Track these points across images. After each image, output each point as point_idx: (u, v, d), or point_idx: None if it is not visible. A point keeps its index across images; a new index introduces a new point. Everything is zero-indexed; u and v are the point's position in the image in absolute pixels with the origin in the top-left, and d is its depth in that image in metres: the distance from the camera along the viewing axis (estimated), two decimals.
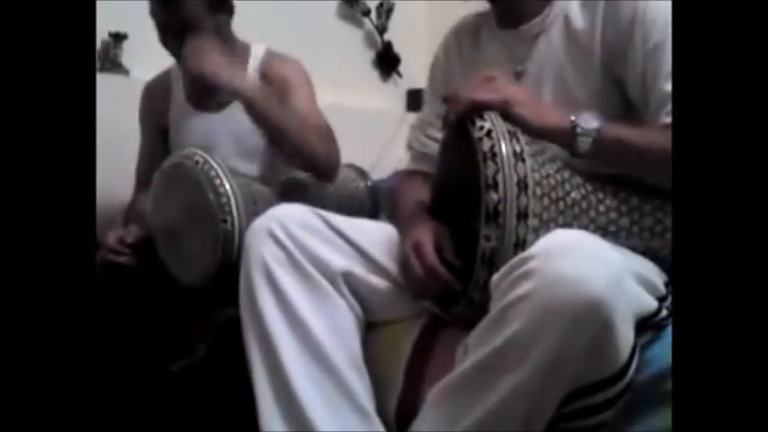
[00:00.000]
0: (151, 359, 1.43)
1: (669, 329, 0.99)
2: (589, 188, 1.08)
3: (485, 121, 1.03)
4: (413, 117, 2.87)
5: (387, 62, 2.97)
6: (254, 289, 1.12)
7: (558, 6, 1.21)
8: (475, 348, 0.94)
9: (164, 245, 1.45)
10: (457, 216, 1.13)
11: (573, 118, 1.06)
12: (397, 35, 2.95)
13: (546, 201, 1.01)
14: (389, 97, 3.00)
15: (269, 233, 1.14)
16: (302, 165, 1.36)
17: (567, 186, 1.05)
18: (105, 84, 1.64)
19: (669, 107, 1.07)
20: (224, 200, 1.35)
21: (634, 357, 0.91)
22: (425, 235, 1.13)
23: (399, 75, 3.00)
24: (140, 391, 1.40)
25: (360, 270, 1.18)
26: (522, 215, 0.98)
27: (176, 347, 1.46)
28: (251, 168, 1.60)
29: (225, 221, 1.34)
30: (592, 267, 0.86)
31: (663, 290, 1.02)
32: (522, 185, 0.98)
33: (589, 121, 1.05)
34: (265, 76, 1.63)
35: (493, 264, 0.98)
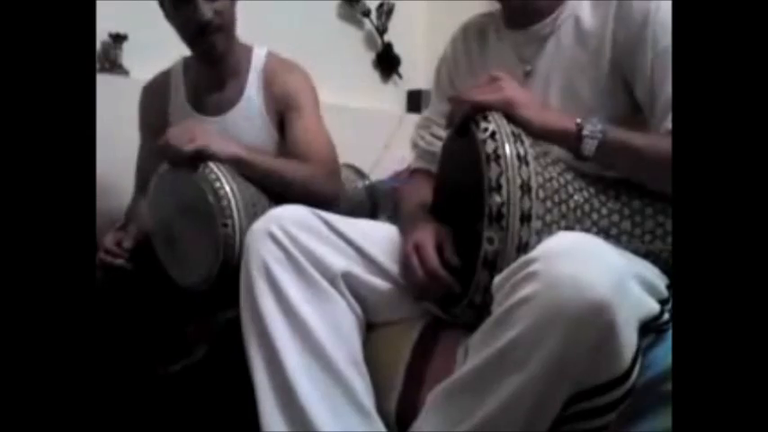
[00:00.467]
0: (150, 360, 1.43)
1: (670, 332, 0.99)
2: (592, 191, 1.08)
3: (489, 122, 1.03)
4: (413, 118, 2.88)
5: (387, 63, 2.98)
6: (255, 290, 1.12)
7: (569, 7, 1.21)
8: (477, 350, 0.94)
9: (163, 247, 1.45)
10: (459, 217, 1.13)
11: (578, 120, 1.06)
12: (397, 36, 2.95)
13: (549, 203, 1.01)
14: (389, 98, 3.00)
15: (269, 234, 1.14)
16: (303, 201, 1.36)
17: (570, 189, 1.05)
18: (105, 84, 1.64)
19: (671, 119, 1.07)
20: (224, 203, 1.35)
21: (637, 360, 0.91)
22: (427, 236, 1.13)
23: (399, 75, 3.01)
24: (140, 393, 1.40)
25: (359, 270, 1.18)
26: (525, 218, 0.98)
27: (176, 349, 1.46)
28: None
29: (225, 224, 1.34)
30: (595, 270, 0.85)
31: (665, 293, 1.02)
32: (526, 188, 0.98)
33: (594, 124, 1.05)
34: (268, 83, 1.62)
35: (495, 266, 0.98)
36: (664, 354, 0.96)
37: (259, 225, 1.16)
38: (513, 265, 0.92)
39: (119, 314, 1.39)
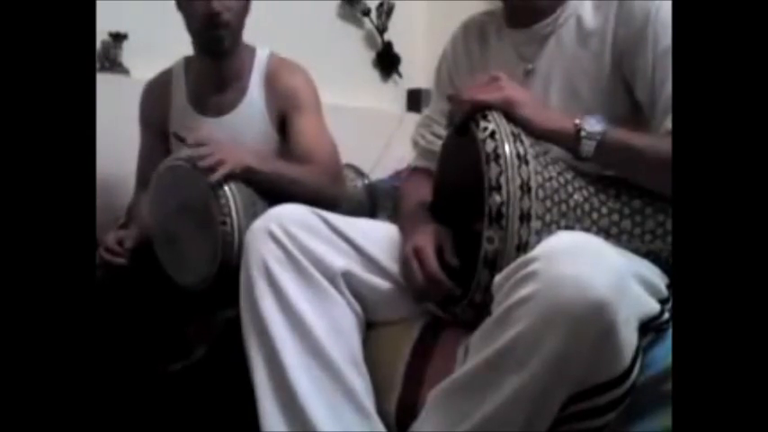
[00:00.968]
0: (150, 360, 1.43)
1: (670, 331, 0.99)
2: (591, 190, 1.08)
3: (489, 122, 1.03)
4: (413, 117, 2.88)
5: (387, 62, 2.97)
6: (255, 289, 1.12)
7: (571, 6, 1.21)
8: (477, 350, 0.94)
9: (162, 247, 1.45)
10: (458, 216, 1.13)
11: (577, 121, 1.06)
12: (397, 35, 2.95)
13: (549, 203, 1.01)
14: (389, 97, 3.00)
15: (268, 233, 1.14)
16: (309, 203, 1.36)
17: (570, 189, 1.05)
18: (105, 84, 1.64)
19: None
20: (223, 201, 1.35)
21: (637, 360, 0.91)
22: (427, 239, 1.13)
23: (399, 75, 3.01)
24: (139, 392, 1.40)
25: (359, 270, 1.18)
26: (525, 217, 0.98)
27: (175, 348, 1.46)
28: None
29: (224, 223, 1.34)
30: (595, 269, 0.85)
31: (665, 292, 1.02)
32: (526, 188, 0.98)
33: (594, 125, 1.05)
34: (271, 84, 1.62)
35: (495, 266, 0.97)
36: (663, 353, 0.96)
37: (259, 224, 1.16)
38: (513, 265, 0.92)
39: (119, 313, 1.39)
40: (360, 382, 1.12)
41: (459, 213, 1.11)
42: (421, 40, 3.07)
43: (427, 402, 1.00)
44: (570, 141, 1.06)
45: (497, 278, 0.95)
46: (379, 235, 1.23)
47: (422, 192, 1.29)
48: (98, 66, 2.11)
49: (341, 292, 1.16)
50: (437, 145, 1.30)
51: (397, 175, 2.35)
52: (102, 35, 2.12)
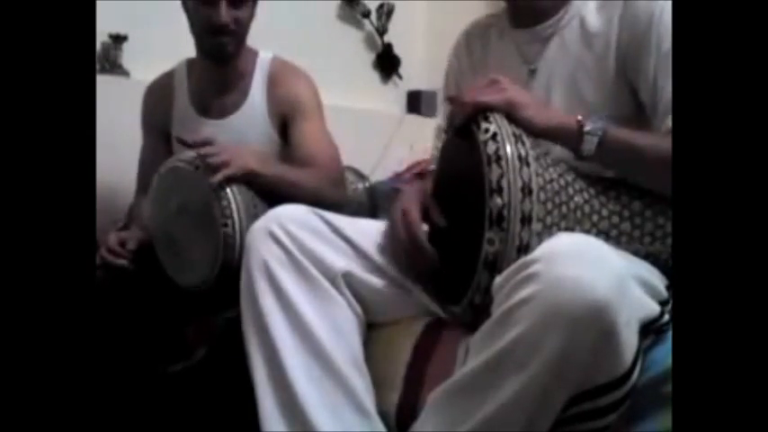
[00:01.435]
0: (150, 361, 1.43)
1: (670, 333, 0.99)
2: (592, 192, 1.08)
3: (490, 123, 1.03)
4: (413, 119, 2.88)
5: (387, 64, 2.98)
6: (255, 289, 1.13)
7: (575, 7, 1.21)
8: (477, 351, 0.94)
9: (163, 248, 1.45)
10: (459, 218, 1.13)
11: (579, 118, 1.06)
12: (397, 37, 2.95)
13: (549, 205, 1.01)
14: (389, 99, 3.00)
15: (269, 233, 1.14)
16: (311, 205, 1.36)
17: (570, 191, 1.05)
18: (105, 85, 1.64)
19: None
20: (224, 203, 1.35)
21: (638, 361, 0.91)
22: (412, 199, 1.15)
23: (399, 76, 3.01)
24: (140, 393, 1.40)
25: (360, 270, 1.18)
26: (526, 219, 0.98)
27: (176, 349, 1.46)
28: None
29: (225, 225, 1.34)
30: (595, 271, 0.85)
31: (665, 294, 1.02)
32: (527, 190, 0.98)
33: (595, 122, 1.05)
34: (273, 87, 1.62)
35: (495, 267, 0.97)
36: (664, 355, 0.96)
37: (260, 224, 1.16)
38: (514, 266, 0.92)
39: (119, 314, 1.39)
40: (360, 383, 1.12)
41: (461, 215, 1.11)
42: (421, 41, 3.07)
43: (427, 403, 1.00)
44: (572, 139, 1.06)
45: (498, 280, 0.95)
46: (379, 236, 1.23)
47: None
48: (98, 67, 2.11)
49: (341, 293, 1.16)
50: None
51: (397, 176, 2.35)
52: (102, 37, 2.12)
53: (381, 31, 2.92)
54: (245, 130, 1.60)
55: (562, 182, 1.05)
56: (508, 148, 1.00)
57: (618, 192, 1.10)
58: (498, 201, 0.97)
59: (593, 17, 1.19)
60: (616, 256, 0.91)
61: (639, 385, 0.93)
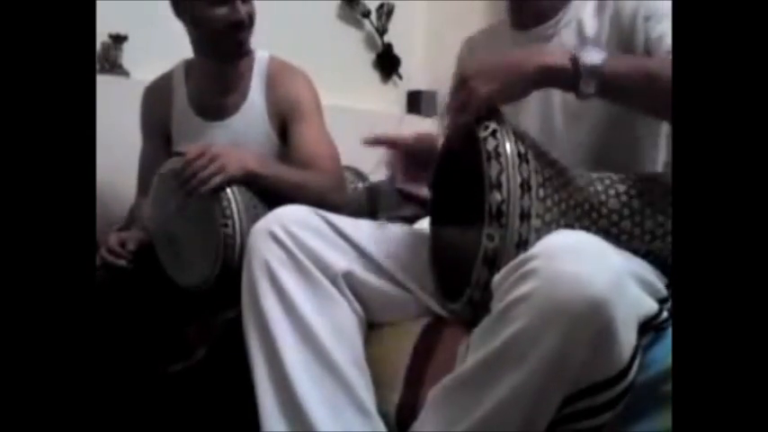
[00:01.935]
0: (151, 361, 1.43)
1: (669, 331, 0.99)
2: (591, 190, 1.08)
3: (490, 121, 1.03)
4: (413, 119, 2.88)
5: (387, 64, 2.98)
6: (257, 289, 1.13)
7: (572, 10, 1.23)
8: (476, 347, 0.94)
9: (163, 248, 1.45)
10: (458, 214, 1.13)
11: (573, 54, 1.02)
12: (397, 37, 2.96)
13: (548, 202, 1.01)
14: (389, 99, 3.00)
15: (270, 234, 1.14)
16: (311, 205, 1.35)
17: (570, 188, 1.05)
18: (105, 85, 1.64)
19: (667, 43, 1.08)
20: (224, 203, 1.35)
21: (636, 359, 0.91)
22: None
23: (399, 76, 3.01)
24: (140, 393, 1.40)
25: (361, 270, 1.18)
26: (525, 216, 0.98)
27: (176, 349, 1.46)
28: None
29: (225, 225, 1.34)
30: (593, 268, 0.86)
31: (664, 292, 1.03)
32: (526, 186, 0.98)
33: (591, 55, 1.02)
34: (271, 88, 1.62)
35: (494, 263, 0.98)
36: (663, 354, 0.96)
37: (261, 225, 1.17)
38: (513, 262, 0.92)
39: (119, 314, 1.39)
40: (361, 382, 1.12)
41: (460, 211, 1.11)
42: (421, 41, 3.07)
43: (427, 401, 1.00)
44: (569, 80, 1.02)
45: (497, 276, 0.95)
46: (380, 236, 1.23)
47: None
48: (98, 67, 2.11)
49: (342, 293, 1.16)
50: None
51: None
52: (102, 37, 2.13)
53: (381, 31, 2.93)
54: (244, 131, 1.60)
55: (562, 179, 1.05)
56: (508, 145, 1.00)
57: (617, 190, 1.10)
58: (497, 196, 0.98)
59: (589, 20, 1.21)
60: (615, 253, 0.92)
61: (639, 384, 0.93)
